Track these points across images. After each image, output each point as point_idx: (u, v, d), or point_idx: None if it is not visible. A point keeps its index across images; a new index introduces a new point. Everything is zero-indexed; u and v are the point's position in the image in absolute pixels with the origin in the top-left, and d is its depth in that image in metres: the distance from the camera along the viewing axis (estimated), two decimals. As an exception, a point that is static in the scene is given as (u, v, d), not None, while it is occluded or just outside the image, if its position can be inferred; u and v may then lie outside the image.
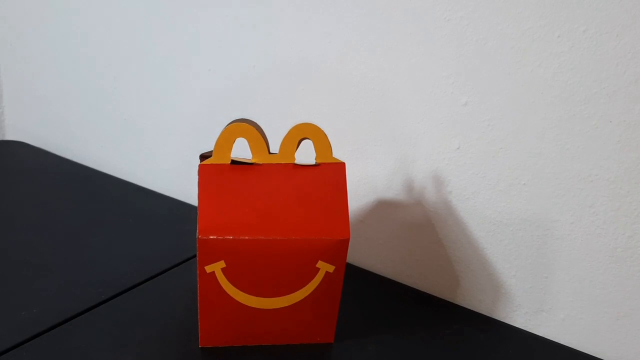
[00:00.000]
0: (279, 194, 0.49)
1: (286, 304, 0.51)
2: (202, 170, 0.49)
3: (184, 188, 0.86)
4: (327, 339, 0.54)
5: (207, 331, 0.51)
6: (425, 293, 0.65)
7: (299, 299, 0.51)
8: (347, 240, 0.48)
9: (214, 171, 0.49)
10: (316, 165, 0.51)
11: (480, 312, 0.64)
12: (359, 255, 0.71)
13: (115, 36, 0.88)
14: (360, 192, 0.68)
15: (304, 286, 0.50)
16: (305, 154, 0.66)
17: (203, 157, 0.51)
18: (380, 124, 0.64)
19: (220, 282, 0.48)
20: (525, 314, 0.61)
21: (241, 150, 0.63)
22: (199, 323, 0.52)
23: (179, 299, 0.59)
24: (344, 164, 0.50)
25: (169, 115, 0.85)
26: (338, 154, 0.68)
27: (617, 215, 0.53)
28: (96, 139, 0.97)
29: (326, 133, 0.65)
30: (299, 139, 0.49)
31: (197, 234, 0.46)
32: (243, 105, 0.75)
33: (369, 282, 0.67)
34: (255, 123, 0.51)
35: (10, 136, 1.10)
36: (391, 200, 0.66)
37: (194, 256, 0.68)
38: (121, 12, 0.86)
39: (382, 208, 0.67)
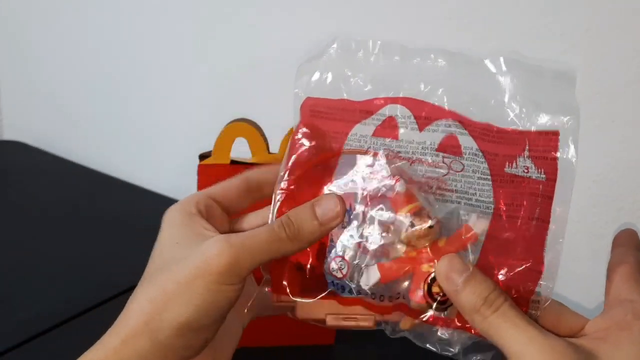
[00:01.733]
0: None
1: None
2: (201, 170, 0.49)
3: (185, 188, 0.85)
4: (327, 340, 0.54)
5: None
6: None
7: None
8: None
9: (214, 171, 0.49)
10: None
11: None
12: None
13: (114, 35, 0.88)
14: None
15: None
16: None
17: (202, 157, 0.51)
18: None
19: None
20: (527, 314, 0.61)
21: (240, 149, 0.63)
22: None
23: (178, 300, 0.59)
24: None
25: (169, 115, 0.85)
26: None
27: (619, 216, 0.53)
28: (95, 139, 0.97)
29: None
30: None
31: (197, 235, 0.46)
32: (244, 104, 0.74)
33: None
34: (255, 123, 0.50)
35: (8, 136, 1.10)
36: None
37: (193, 257, 0.68)
38: (120, 12, 0.85)
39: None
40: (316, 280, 0.36)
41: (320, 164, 0.36)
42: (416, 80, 0.35)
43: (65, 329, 0.54)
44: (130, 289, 0.63)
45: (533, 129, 0.34)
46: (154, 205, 0.82)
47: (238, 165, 0.49)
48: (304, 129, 0.36)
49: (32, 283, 0.61)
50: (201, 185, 0.49)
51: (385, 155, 0.35)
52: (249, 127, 0.49)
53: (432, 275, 0.33)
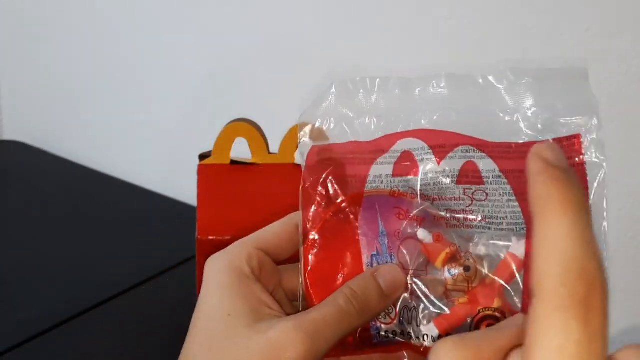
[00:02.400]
0: (279, 194, 0.49)
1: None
2: (201, 170, 0.49)
3: (184, 188, 0.85)
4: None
5: None
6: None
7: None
8: None
9: (214, 171, 0.48)
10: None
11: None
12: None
13: (113, 35, 0.88)
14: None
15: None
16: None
17: (202, 157, 0.51)
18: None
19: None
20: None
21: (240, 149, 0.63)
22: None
23: (177, 300, 0.59)
24: None
25: (169, 115, 0.85)
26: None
27: (619, 216, 0.53)
28: (95, 139, 0.97)
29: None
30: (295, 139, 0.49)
31: (196, 235, 0.46)
32: (244, 103, 0.74)
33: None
34: (255, 123, 0.50)
35: (8, 136, 1.10)
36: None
37: (193, 257, 0.68)
38: (119, 11, 0.85)
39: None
40: (361, 336, 0.34)
41: (341, 211, 0.34)
42: (423, 110, 0.34)
43: (65, 329, 0.54)
44: (128, 289, 0.64)
45: (552, 137, 0.31)
46: (154, 205, 0.82)
47: (238, 165, 0.49)
48: (313, 178, 0.35)
49: (32, 283, 0.61)
50: (201, 185, 0.48)
51: (408, 196, 0.33)
52: (249, 127, 0.49)
53: (481, 315, 0.31)
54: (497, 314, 0.31)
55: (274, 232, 0.35)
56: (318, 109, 0.36)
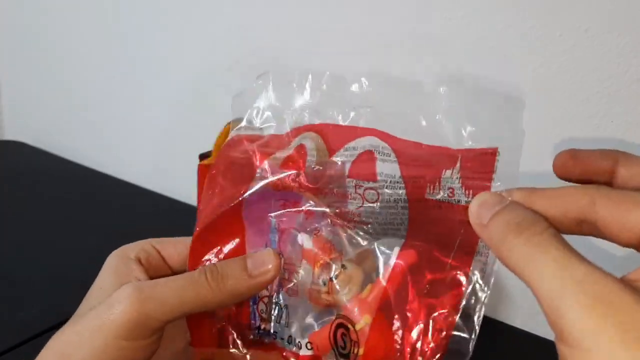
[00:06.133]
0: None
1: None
2: (201, 170, 0.49)
3: (183, 188, 0.85)
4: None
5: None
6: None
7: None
8: None
9: (213, 171, 0.48)
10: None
11: (481, 312, 0.63)
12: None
13: (113, 36, 0.88)
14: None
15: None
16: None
17: (202, 156, 0.51)
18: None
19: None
20: (525, 314, 0.60)
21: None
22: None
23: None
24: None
25: (168, 115, 0.85)
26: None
27: (619, 216, 0.53)
28: (95, 139, 0.97)
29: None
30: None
31: (196, 235, 0.46)
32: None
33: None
34: (255, 122, 0.50)
35: (8, 136, 1.10)
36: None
37: (193, 256, 0.68)
38: (119, 12, 0.85)
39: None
40: (240, 332, 0.34)
41: (230, 202, 0.34)
42: (342, 106, 0.32)
43: (65, 328, 0.54)
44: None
45: (468, 145, 0.29)
46: (154, 205, 0.82)
47: (238, 165, 0.49)
48: (216, 169, 0.35)
49: (32, 283, 0.61)
50: (201, 185, 0.48)
51: (295, 189, 0.32)
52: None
53: (338, 322, 0.30)
54: (349, 325, 0.30)
55: (178, 239, 0.36)
56: (248, 103, 0.36)
